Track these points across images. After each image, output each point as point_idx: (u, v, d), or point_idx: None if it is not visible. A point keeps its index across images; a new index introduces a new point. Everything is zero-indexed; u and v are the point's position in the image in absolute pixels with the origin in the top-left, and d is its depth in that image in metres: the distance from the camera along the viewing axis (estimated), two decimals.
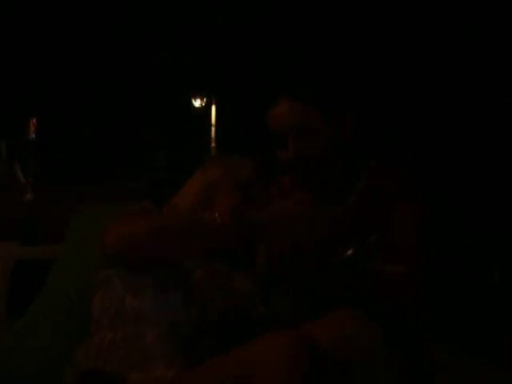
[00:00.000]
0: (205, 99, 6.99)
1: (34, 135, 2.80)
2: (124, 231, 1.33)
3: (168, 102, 6.61)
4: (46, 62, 5.92)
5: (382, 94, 5.41)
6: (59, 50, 5.98)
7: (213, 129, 6.87)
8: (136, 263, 1.35)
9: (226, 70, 6.49)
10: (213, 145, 6.69)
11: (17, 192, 2.76)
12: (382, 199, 1.58)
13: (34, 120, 2.84)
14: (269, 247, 1.50)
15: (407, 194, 1.58)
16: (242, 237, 1.39)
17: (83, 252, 1.56)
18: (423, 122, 5.42)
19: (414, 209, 1.57)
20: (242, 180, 1.54)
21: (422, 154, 5.20)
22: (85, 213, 1.89)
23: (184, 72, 6.54)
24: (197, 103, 7.06)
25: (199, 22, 6.31)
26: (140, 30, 6.24)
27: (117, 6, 6.04)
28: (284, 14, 5.95)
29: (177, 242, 1.35)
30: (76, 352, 1.51)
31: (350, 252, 1.47)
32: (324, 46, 5.59)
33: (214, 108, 6.88)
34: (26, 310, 1.76)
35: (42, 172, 2.81)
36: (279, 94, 1.61)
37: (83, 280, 1.57)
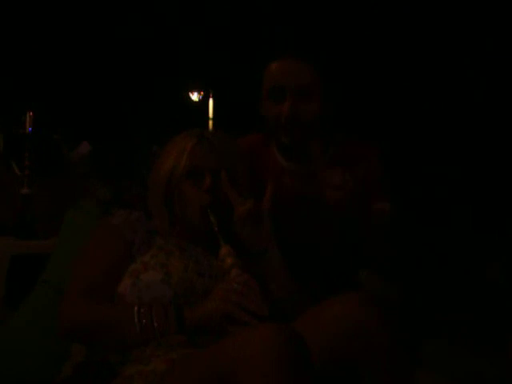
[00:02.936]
0: (202, 92, 6.98)
1: (30, 129, 2.79)
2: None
3: (165, 95, 6.60)
4: (43, 56, 5.91)
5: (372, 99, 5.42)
6: (57, 43, 5.97)
7: (210, 122, 6.85)
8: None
9: (224, 63, 6.48)
10: None
11: (13, 186, 2.75)
12: (349, 160, 1.68)
13: (31, 113, 2.83)
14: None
15: (367, 153, 1.73)
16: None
17: (77, 246, 1.56)
18: (422, 122, 5.44)
19: (373, 161, 1.72)
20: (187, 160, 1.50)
21: (422, 154, 5.22)
22: (79, 207, 1.89)
23: (181, 66, 6.53)
24: (194, 96, 7.06)
25: (197, 15, 6.29)
26: (138, 24, 6.23)
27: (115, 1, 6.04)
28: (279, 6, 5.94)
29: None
30: (73, 345, 1.52)
31: None
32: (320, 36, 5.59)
33: (211, 101, 6.87)
34: (21, 304, 1.77)
35: (38, 166, 2.80)
36: (283, 51, 1.64)
37: None
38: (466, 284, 3.86)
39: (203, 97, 6.99)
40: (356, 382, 1.27)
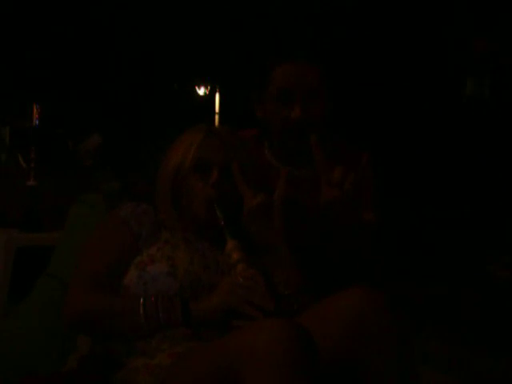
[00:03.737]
0: (209, 87, 6.97)
1: (37, 122, 2.81)
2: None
3: (171, 90, 6.59)
4: (49, 49, 5.92)
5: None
6: (62, 35, 5.97)
7: (216, 117, 6.84)
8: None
9: (231, 58, 6.48)
10: None
11: (19, 179, 2.77)
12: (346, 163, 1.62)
13: (38, 106, 2.83)
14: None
15: (361, 157, 1.65)
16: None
17: (82, 240, 1.57)
18: (422, 122, 5.44)
19: (366, 166, 1.66)
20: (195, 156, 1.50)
21: (422, 154, 5.22)
22: (84, 200, 1.89)
23: (187, 60, 6.52)
24: (201, 91, 7.04)
25: (205, 9, 6.29)
26: (145, 18, 6.23)
27: None
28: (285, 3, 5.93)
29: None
30: (79, 338, 1.54)
31: None
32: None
33: (217, 96, 6.85)
34: (26, 296, 1.77)
35: (45, 159, 2.81)
36: (287, 55, 1.66)
37: None
38: (466, 284, 3.86)
39: (210, 91, 6.98)
40: (359, 378, 1.26)
